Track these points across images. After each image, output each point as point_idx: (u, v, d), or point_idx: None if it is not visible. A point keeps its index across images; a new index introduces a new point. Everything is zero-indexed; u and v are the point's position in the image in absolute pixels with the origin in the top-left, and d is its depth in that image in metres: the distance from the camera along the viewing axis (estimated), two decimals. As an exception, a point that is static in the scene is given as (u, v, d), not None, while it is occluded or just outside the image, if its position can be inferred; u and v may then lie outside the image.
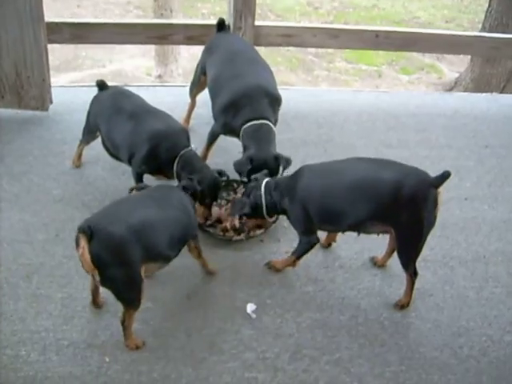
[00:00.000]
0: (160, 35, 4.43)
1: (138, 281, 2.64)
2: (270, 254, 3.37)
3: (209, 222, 3.45)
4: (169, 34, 4.43)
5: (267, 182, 3.17)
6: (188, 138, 3.42)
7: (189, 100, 4.26)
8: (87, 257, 2.50)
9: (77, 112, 4.13)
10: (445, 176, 2.81)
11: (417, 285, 3.13)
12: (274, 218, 3.43)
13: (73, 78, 8.59)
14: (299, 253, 3.15)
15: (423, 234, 2.88)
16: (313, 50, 10.15)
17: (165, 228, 2.75)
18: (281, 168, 3.41)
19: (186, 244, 2.96)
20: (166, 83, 7.64)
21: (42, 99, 4.23)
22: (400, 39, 4.66)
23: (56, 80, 6.43)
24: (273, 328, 2.94)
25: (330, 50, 10.13)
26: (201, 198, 3.21)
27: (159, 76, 8.54)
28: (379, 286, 3.22)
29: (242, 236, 3.44)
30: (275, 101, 3.63)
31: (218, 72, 3.71)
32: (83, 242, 2.49)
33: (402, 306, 3.05)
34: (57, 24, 4.28)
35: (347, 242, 3.47)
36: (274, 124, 3.62)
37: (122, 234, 2.56)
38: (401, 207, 2.81)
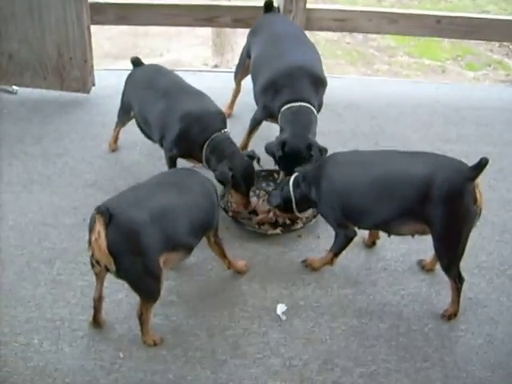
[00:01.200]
0: (207, 17, 4.17)
1: (157, 271, 2.39)
2: (308, 251, 3.06)
3: (244, 213, 3.18)
4: (216, 15, 4.16)
5: (296, 176, 2.90)
6: (224, 122, 3.15)
7: (234, 86, 3.99)
8: (103, 243, 2.26)
9: (119, 95, 3.91)
10: (482, 164, 2.43)
11: (469, 294, 2.76)
12: (310, 212, 3.12)
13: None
14: (336, 248, 2.84)
15: (462, 233, 2.52)
16: (374, 43, 9.68)
17: (186, 214, 2.50)
18: (313, 158, 3.06)
19: (206, 237, 2.70)
20: (214, 69, 7.40)
21: (83, 81, 4.06)
22: (465, 26, 4.22)
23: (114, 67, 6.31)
24: (303, 333, 2.64)
25: (392, 44, 9.64)
26: (235, 185, 2.96)
27: (215, 66, 8.31)
28: (426, 293, 2.85)
29: (278, 230, 3.15)
30: (319, 82, 3.29)
31: (260, 52, 3.44)
32: (100, 226, 2.25)
33: (450, 316, 2.68)
34: (102, 4, 4.10)
35: (393, 241, 3.11)
36: (319, 108, 3.30)
37: (143, 218, 2.33)
38: (433, 204, 2.46)
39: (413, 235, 2.70)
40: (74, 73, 4.03)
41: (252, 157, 3.08)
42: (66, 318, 2.64)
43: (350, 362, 2.53)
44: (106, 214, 2.25)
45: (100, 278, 2.52)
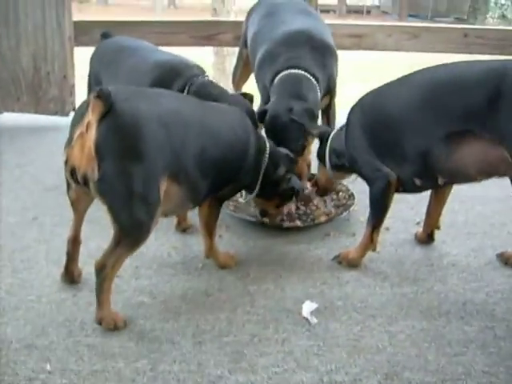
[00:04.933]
0: (206, 35, 3.54)
1: (155, 196, 1.53)
2: (340, 248, 2.05)
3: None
4: (215, 33, 3.53)
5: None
6: (203, 71, 2.31)
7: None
8: (90, 138, 1.45)
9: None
10: None
11: None
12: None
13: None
14: (374, 210, 1.88)
15: None
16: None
17: (199, 134, 1.67)
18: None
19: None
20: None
21: (61, 101, 3.32)
22: (495, 39, 3.55)
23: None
24: (347, 339, 1.58)
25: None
26: None
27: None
28: (522, 290, 1.82)
29: (298, 222, 2.18)
30: (324, 49, 2.48)
31: (256, 29, 2.68)
32: (93, 115, 1.45)
33: None
34: (87, 23, 3.49)
35: (456, 237, 2.14)
36: (328, 81, 2.47)
37: (153, 114, 1.54)
38: (507, 107, 1.55)
39: (478, 177, 1.72)
40: (51, 91, 3.31)
41: (246, 95, 2.28)
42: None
43: (429, 376, 1.44)
44: (108, 99, 1.45)
45: (78, 211, 1.70)
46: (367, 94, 1.92)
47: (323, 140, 2.08)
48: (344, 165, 2.01)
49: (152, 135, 1.51)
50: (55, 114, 3.34)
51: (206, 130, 1.70)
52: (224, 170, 1.77)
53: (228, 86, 3.92)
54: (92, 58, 2.55)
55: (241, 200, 2.31)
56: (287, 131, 2.20)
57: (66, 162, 1.53)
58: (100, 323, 1.56)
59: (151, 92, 1.74)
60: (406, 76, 1.84)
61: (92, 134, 1.45)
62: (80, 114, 1.52)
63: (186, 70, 2.23)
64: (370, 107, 1.87)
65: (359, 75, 6.38)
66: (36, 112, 3.35)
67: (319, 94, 2.38)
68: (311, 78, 2.37)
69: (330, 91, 2.53)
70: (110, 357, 1.47)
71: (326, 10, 14.48)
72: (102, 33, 2.60)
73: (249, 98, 2.22)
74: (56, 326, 1.59)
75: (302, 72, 2.36)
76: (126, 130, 1.48)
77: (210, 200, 1.83)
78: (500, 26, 4.04)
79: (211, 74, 7.49)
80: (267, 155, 1.94)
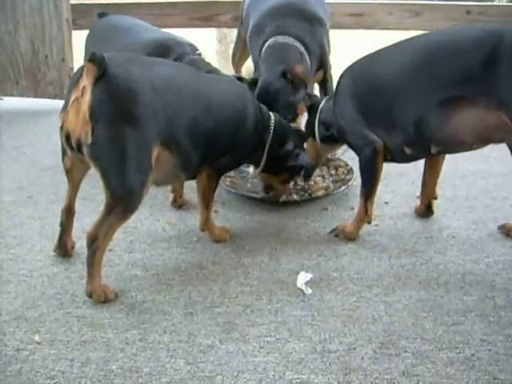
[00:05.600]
0: (204, 16, 3.48)
1: (146, 161, 1.51)
2: (338, 222, 2.00)
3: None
4: (214, 13, 3.47)
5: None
6: (195, 49, 2.24)
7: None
8: (86, 102, 1.44)
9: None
10: None
11: None
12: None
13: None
14: (365, 180, 1.84)
15: None
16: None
17: (192, 103, 1.64)
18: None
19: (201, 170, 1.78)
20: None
21: (60, 85, 3.27)
22: (498, 16, 3.47)
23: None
24: (342, 309, 1.53)
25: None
26: None
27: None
28: (523, 261, 1.77)
29: (295, 196, 2.13)
30: (313, 20, 2.43)
31: (249, 4, 2.66)
32: (88, 79, 1.44)
33: None
34: (85, 6, 3.44)
35: (457, 211, 2.08)
36: (321, 51, 2.43)
37: (146, 80, 1.53)
38: (506, 67, 1.49)
39: (474, 144, 1.67)
40: (50, 74, 3.26)
41: (241, 79, 2.19)
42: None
43: (425, 345, 1.39)
44: (101, 63, 1.45)
45: (73, 181, 1.67)
46: (357, 62, 1.87)
47: (312, 112, 2.03)
48: (333, 136, 1.96)
49: (145, 100, 1.49)
50: (54, 97, 3.29)
51: (200, 98, 1.67)
52: (217, 140, 1.73)
53: (232, 72, 3.88)
54: (87, 39, 2.52)
55: (251, 171, 2.26)
56: (279, 98, 2.15)
57: (62, 127, 1.50)
58: (90, 296, 1.53)
59: (146, 59, 1.70)
60: (399, 42, 1.78)
61: (87, 97, 1.43)
62: (75, 79, 1.51)
63: (177, 47, 2.17)
64: (360, 74, 1.83)
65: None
66: (35, 96, 3.31)
67: (308, 60, 2.34)
68: (300, 44, 2.33)
69: (322, 64, 2.49)
70: (100, 327, 1.44)
71: None
72: (98, 13, 2.56)
73: (245, 83, 2.16)
74: (46, 298, 1.56)
75: (291, 38, 2.33)
76: (120, 94, 1.46)
77: (208, 171, 1.79)
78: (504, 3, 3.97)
79: (216, 62, 7.43)
80: (272, 129, 1.91)
